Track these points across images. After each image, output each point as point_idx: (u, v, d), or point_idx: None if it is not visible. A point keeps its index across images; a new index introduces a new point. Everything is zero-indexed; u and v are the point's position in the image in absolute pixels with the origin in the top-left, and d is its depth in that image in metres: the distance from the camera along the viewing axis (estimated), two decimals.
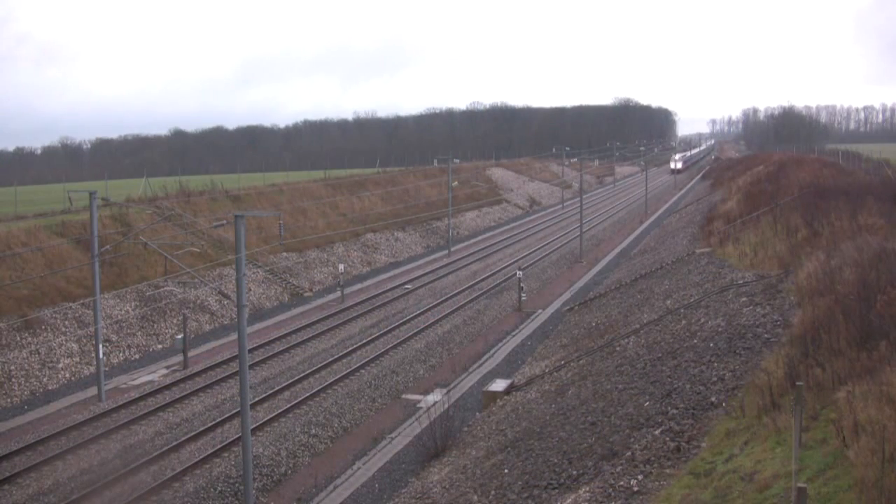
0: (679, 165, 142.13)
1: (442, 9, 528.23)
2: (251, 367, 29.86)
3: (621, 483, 13.34)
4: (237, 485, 21.18)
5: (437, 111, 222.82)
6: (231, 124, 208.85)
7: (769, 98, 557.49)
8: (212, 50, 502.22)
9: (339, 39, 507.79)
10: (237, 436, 22.89)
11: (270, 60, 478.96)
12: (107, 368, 29.66)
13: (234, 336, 33.85)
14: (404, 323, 37.56)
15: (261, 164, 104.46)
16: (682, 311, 25.12)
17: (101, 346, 26.62)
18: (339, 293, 43.61)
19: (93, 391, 27.75)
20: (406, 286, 46.47)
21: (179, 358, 31.28)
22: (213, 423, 24.60)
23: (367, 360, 31.31)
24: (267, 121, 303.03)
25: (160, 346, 33.77)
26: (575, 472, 15.21)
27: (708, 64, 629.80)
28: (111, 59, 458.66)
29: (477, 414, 24.51)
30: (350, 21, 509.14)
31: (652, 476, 13.24)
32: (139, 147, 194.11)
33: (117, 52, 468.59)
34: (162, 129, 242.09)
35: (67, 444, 23.36)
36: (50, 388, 28.42)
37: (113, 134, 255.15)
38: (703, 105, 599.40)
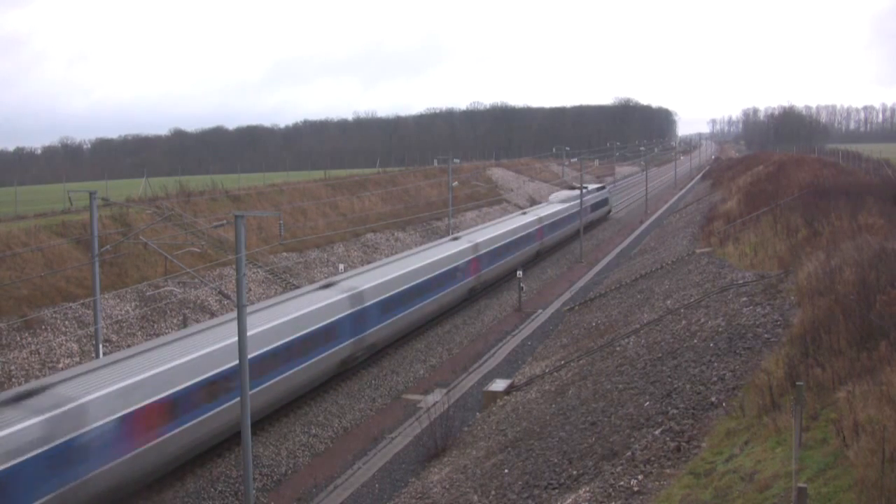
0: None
1: (442, 11, 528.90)
2: None
3: (621, 483, 13.34)
4: (237, 485, 21.18)
5: (437, 111, 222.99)
6: (244, 126, 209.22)
7: (769, 98, 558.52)
8: (233, 54, 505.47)
9: (359, 43, 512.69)
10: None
11: (293, 63, 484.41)
12: None
13: None
14: None
15: (261, 164, 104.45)
16: (682, 311, 25.11)
17: (101, 346, 26.58)
18: None
19: None
20: None
21: None
22: None
23: (366, 359, 31.29)
24: (279, 122, 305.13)
25: None
26: (575, 472, 15.21)
27: (708, 64, 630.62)
28: (130, 61, 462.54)
29: (477, 414, 24.50)
30: (365, 26, 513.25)
31: (652, 476, 13.24)
32: (139, 147, 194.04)
33: (138, 56, 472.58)
34: (162, 129, 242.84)
35: None
36: None
37: (112, 134, 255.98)
38: (703, 105, 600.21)
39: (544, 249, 54.60)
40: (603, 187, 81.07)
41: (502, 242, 45.69)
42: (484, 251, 42.13)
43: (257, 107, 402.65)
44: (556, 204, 62.62)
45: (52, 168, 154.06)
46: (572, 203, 62.64)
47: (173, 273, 36.48)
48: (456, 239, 42.52)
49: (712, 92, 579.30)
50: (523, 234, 49.66)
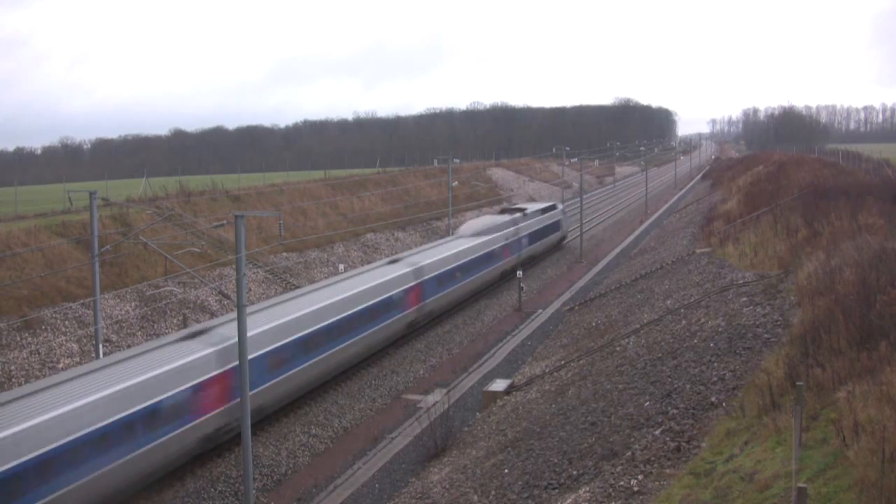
0: None
1: (444, 11, 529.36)
2: None
3: (621, 483, 13.34)
4: (237, 485, 21.18)
5: (438, 111, 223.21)
6: (244, 126, 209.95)
7: (769, 98, 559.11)
8: (234, 54, 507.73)
9: (361, 43, 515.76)
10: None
11: (294, 63, 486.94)
12: None
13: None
14: None
15: (261, 164, 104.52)
16: (682, 311, 25.11)
17: (101, 346, 26.58)
18: None
19: None
20: None
21: None
22: None
23: (366, 359, 31.29)
24: (280, 122, 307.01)
25: None
26: (575, 472, 15.21)
27: (708, 64, 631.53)
28: (131, 62, 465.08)
29: (477, 414, 24.50)
30: (367, 26, 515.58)
31: (652, 476, 13.24)
32: (139, 147, 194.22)
33: (139, 56, 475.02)
34: (162, 129, 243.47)
35: None
36: None
37: (113, 134, 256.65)
38: (703, 105, 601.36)
39: (426, 318, 35.88)
40: (553, 206, 59.91)
41: (316, 328, 26.44)
42: (266, 353, 23.69)
43: (257, 107, 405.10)
44: (466, 239, 43.32)
45: (52, 168, 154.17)
46: (492, 237, 45.10)
47: (173, 273, 36.49)
48: (197, 337, 22.62)
49: (712, 92, 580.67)
50: (374, 302, 30.17)
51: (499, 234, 46.23)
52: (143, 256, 37.18)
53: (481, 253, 42.68)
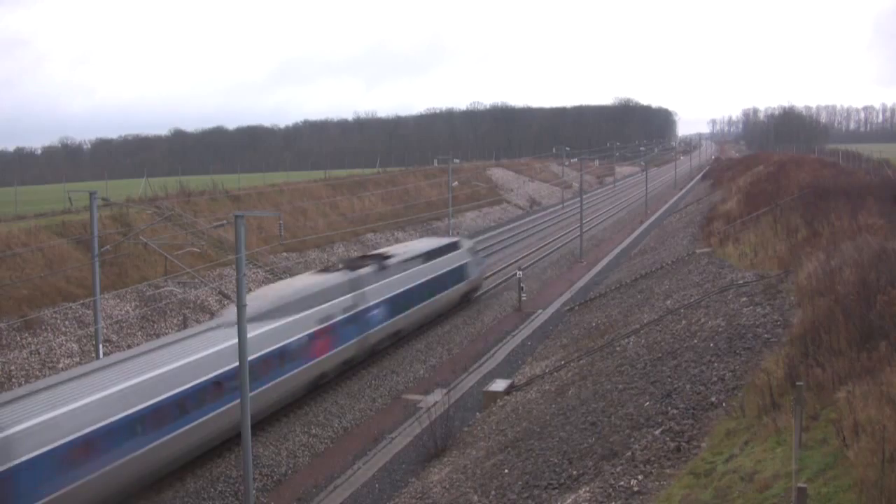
0: None
1: (445, 11, 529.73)
2: None
3: (621, 483, 13.34)
4: (237, 485, 21.18)
5: (438, 111, 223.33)
6: (244, 126, 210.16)
7: (769, 98, 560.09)
8: (234, 55, 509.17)
9: (363, 43, 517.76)
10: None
11: (295, 63, 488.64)
12: None
13: None
14: None
15: (261, 164, 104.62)
16: (682, 311, 25.11)
17: (101, 346, 26.57)
18: None
19: None
20: None
21: None
22: None
23: (366, 359, 31.28)
24: (280, 122, 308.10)
25: None
26: (575, 472, 15.21)
27: (708, 64, 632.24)
28: (132, 62, 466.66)
29: (477, 414, 24.50)
30: (369, 26, 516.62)
31: (652, 476, 13.24)
32: (139, 147, 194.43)
33: (139, 56, 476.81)
34: (162, 130, 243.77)
35: None
36: None
37: (113, 134, 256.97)
38: (703, 105, 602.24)
39: None
40: (453, 245, 39.63)
41: None
42: None
43: (258, 107, 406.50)
44: (230, 331, 21.29)
45: (52, 168, 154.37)
46: (291, 319, 25.17)
47: (173, 273, 36.48)
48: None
49: (712, 92, 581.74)
50: None
51: (309, 312, 26.24)
52: (143, 256, 37.18)
53: (259, 355, 22.52)
